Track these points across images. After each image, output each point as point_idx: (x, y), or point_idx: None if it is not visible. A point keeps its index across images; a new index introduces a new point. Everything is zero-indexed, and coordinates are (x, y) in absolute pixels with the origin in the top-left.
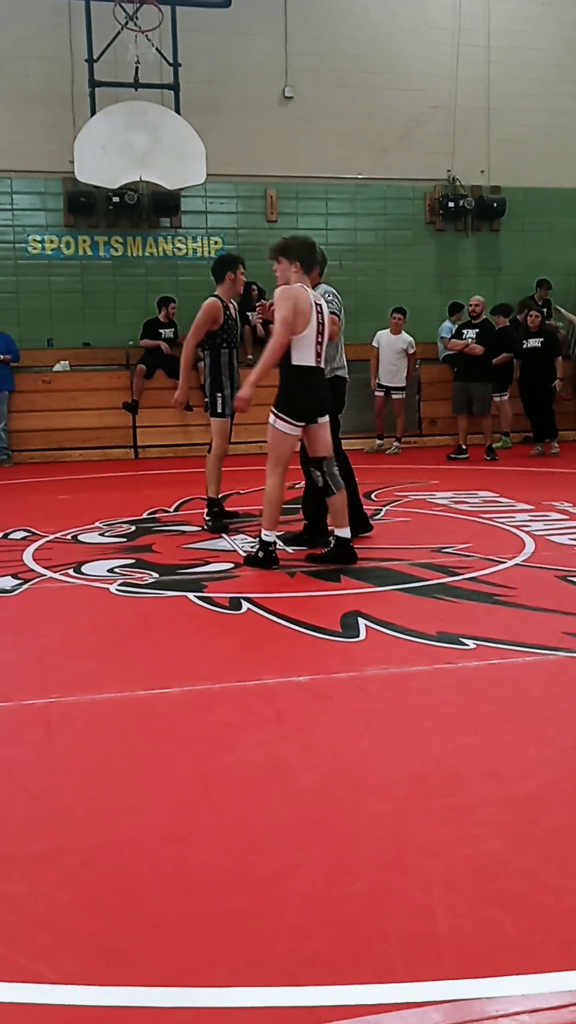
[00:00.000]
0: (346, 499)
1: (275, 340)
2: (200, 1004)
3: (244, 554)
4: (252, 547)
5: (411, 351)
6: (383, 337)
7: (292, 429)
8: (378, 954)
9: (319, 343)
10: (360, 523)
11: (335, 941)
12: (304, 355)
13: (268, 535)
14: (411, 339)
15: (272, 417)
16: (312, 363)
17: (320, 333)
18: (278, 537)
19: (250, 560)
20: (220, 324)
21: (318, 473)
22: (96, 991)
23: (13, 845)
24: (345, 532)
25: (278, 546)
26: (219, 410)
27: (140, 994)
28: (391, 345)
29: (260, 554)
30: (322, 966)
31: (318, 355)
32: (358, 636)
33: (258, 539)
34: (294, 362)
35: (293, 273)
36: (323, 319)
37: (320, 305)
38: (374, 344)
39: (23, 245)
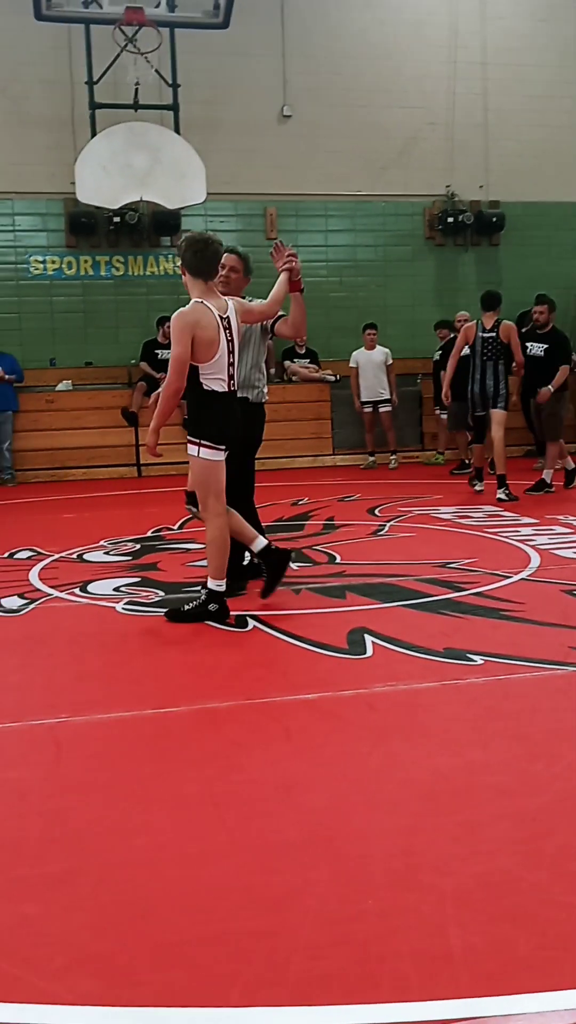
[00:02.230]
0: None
1: (169, 386)
2: None
3: (179, 606)
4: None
5: (389, 363)
6: (360, 356)
7: (217, 455)
8: (392, 972)
9: (231, 364)
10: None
11: (349, 960)
12: (215, 381)
13: (218, 584)
14: (387, 351)
15: (192, 448)
16: (223, 389)
17: (232, 353)
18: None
19: (191, 614)
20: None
21: (194, 508)
22: (112, 1012)
23: (27, 866)
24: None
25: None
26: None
27: (156, 1015)
28: (370, 360)
29: (212, 607)
30: (337, 986)
31: (230, 378)
32: (365, 653)
33: (204, 589)
34: (205, 388)
35: (190, 283)
36: (232, 335)
37: (228, 319)
38: (351, 364)
39: (25, 266)
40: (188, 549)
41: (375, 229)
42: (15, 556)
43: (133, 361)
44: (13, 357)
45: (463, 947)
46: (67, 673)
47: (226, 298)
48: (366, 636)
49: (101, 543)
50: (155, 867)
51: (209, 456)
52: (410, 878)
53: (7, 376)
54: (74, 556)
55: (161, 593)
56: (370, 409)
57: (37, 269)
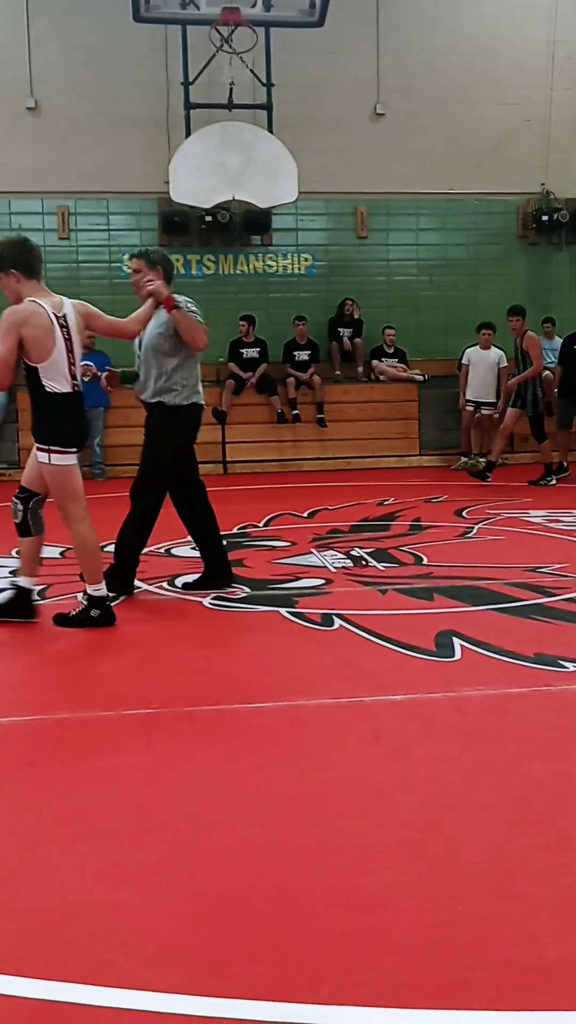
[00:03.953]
0: (40, 545)
1: None
2: (306, 1020)
3: (78, 609)
4: (80, 606)
5: (502, 364)
6: (473, 354)
7: (68, 459)
8: (484, 980)
9: (72, 363)
10: (223, 573)
11: (440, 965)
12: (57, 382)
13: (97, 589)
14: (502, 353)
15: (42, 455)
16: (67, 390)
17: (71, 352)
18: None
19: (76, 619)
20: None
21: (20, 508)
22: (203, 1001)
23: (122, 854)
24: (26, 581)
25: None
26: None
27: (247, 1007)
28: (483, 360)
29: (94, 612)
30: (429, 989)
31: (72, 377)
32: (453, 656)
33: (85, 595)
34: (47, 389)
35: (15, 284)
36: (71, 334)
37: (65, 316)
38: (464, 361)
39: (118, 264)
40: (274, 546)
41: (467, 228)
42: (105, 550)
43: (222, 359)
44: (106, 355)
45: (557, 959)
46: (155, 665)
47: (62, 297)
48: (454, 639)
49: (188, 538)
50: (246, 861)
51: (61, 462)
52: (503, 886)
53: (101, 373)
54: (162, 551)
55: (247, 589)
56: (472, 408)
57: (130, 268)
